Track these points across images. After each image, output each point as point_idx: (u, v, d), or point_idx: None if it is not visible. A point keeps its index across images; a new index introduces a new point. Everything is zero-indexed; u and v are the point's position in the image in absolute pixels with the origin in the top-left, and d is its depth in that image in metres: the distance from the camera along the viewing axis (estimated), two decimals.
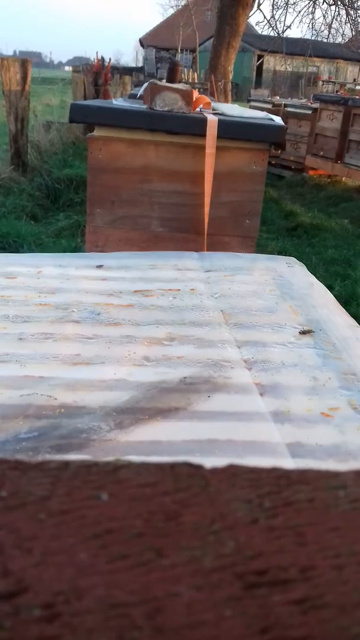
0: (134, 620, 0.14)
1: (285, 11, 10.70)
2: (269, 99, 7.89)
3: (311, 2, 10.99)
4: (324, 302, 0.88)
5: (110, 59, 8.48)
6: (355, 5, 10.86)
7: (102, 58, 8.34)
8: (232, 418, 0.55)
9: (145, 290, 0.84)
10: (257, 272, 0.99)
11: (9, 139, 5.21)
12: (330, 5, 10.79)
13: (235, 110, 1.91)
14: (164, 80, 2.00)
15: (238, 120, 1.75)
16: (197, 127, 1.67)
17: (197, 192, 1.74)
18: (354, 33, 12.06)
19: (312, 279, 0.99)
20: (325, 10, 12.09)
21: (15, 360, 0.62)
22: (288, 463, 0.46)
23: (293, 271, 1.01)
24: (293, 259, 1.01)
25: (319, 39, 13.79)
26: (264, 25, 10.61)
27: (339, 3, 10.63)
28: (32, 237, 3.75)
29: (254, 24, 12.53)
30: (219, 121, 1.67)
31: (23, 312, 0.73)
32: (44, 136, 6.12)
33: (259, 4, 9.26)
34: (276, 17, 10.46)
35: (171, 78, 2.05)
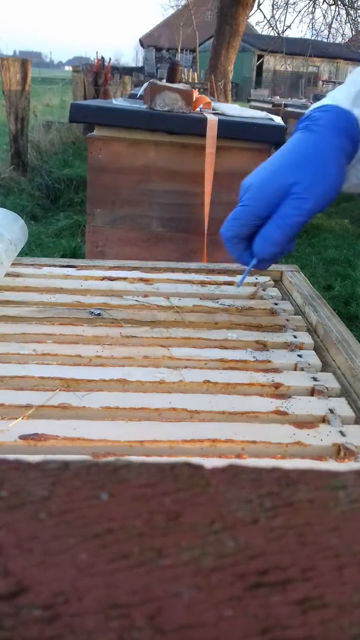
0: (134, 620, 0.14)
1: (285, 11, 10.70)
2: (269, 99, 7.89)
3: (311, 2, 10.99)
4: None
5: (110, 59, 8.47)
6: (355, 5, 10.86)
7: (102, 58, 8.33)
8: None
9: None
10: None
11: (9, 139, 5.22)
12: (330, 5, 10.79)
13: (235, 110, 1.91)
14: (164, 80, 2.00)
15: (238, 120, 1.75)
16: (197, 127, 1.67)
17: (197, 192, 1.74)
18: (354, 33, 12.05)
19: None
20: (325, 10, 12.09)
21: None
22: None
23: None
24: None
25: (319, 38, 13.78)
26: (264, 25, 10.60)
27: (339, 3, 10.63)
28: (32, 237, 3.75)
29: (254, 24, 12.52)
30: (219, 121, 1.67)
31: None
32: (44, 136, 6.13)
33: (259, 4, 9.24)
34: (276, 17, 10.45)
35: (171, 78, 2.05)
